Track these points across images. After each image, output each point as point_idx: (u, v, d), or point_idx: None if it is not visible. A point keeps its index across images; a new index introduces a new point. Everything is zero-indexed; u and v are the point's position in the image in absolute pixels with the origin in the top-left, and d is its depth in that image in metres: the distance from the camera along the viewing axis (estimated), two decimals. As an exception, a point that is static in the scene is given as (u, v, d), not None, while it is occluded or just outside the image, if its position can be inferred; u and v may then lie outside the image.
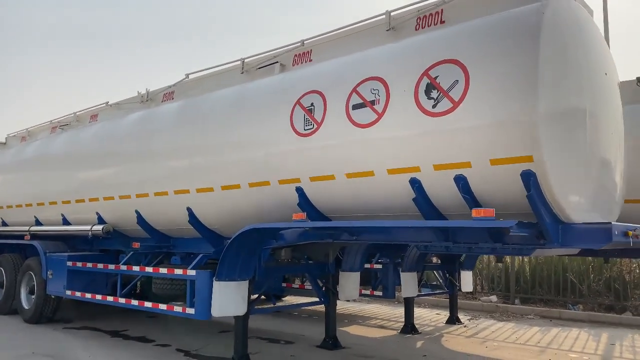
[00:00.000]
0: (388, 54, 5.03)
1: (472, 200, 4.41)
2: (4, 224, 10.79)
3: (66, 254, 8.65)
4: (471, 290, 10.71)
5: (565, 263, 11.82)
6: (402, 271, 8.65)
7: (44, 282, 8.90)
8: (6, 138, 12.57)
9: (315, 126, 5.28)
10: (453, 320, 9.96)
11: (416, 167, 4.51)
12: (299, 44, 6.47)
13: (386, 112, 4.69)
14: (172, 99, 8.17)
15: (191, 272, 6.37)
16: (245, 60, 7.11)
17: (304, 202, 5.54)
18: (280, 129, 5.64)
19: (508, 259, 12.70)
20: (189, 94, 7.77)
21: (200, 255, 6.62)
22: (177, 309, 6.48)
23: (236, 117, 6.25)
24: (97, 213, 8.19)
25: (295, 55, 6.53)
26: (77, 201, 8.49)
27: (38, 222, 9.71)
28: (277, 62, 6.64)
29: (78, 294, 8.18)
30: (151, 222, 7.52)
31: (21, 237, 9.97)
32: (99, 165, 8.18)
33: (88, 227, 8.20)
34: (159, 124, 7.44)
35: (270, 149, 5.74)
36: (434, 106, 4.46)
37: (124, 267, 7.46)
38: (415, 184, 4.58)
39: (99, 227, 8.02)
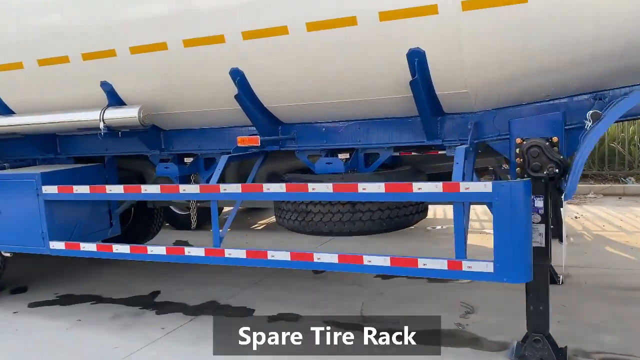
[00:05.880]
0: None
1: None
2: None
3: (38, 171, 4.29)
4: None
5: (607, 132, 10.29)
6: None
7: None
8: None
9: None
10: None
11: None
12: None
13: None
14: None
15: (475, 188, 2.95)
16: None
17: None
18: None
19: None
20: None
21: (465, 148, 3.16)
22: (432, 264, 3.07)
23: None
24: (107, 84, 3.98)
25: None
26: (45, 62, 4.08)
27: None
28: None
29: (90, 246, 4.12)
30: (263, 95, 3.68)
31: None
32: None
33: (97, 114, 3.97)
34: None
35: None
36: None
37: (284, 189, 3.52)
38: None
39: (133, 112, 3.84)
